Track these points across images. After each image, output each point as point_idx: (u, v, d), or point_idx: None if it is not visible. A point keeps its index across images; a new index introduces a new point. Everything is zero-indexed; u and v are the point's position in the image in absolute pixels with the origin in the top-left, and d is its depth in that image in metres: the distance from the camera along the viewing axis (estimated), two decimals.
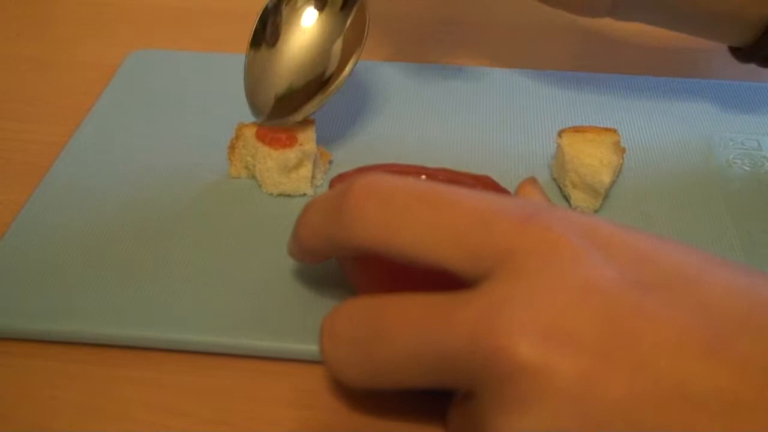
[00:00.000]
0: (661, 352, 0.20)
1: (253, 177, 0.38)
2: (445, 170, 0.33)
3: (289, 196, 0.37)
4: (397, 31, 0.52)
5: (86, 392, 0.29)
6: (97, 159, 0.39)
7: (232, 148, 0.38)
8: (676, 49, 0.50)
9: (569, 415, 0.20)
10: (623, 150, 0.38)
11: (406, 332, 0.23)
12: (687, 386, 0.20)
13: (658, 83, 0.46)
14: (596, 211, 0.37)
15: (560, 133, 0.38)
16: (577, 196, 0.37)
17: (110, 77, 0.46)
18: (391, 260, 0.24)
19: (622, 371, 0.20)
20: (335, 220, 0.26)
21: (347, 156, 0.40)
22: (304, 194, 0.37)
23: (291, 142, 0.36)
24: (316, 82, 0.37)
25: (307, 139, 0.37)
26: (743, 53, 0.41)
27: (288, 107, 0.37)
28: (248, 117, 0.38)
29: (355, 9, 0.38)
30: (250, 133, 0.37)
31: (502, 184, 0.33)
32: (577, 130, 0.38)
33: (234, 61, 0.46)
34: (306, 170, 0.37)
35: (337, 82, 0.37)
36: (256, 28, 0.38)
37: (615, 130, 0.38)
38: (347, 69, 0.37)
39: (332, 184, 0.33)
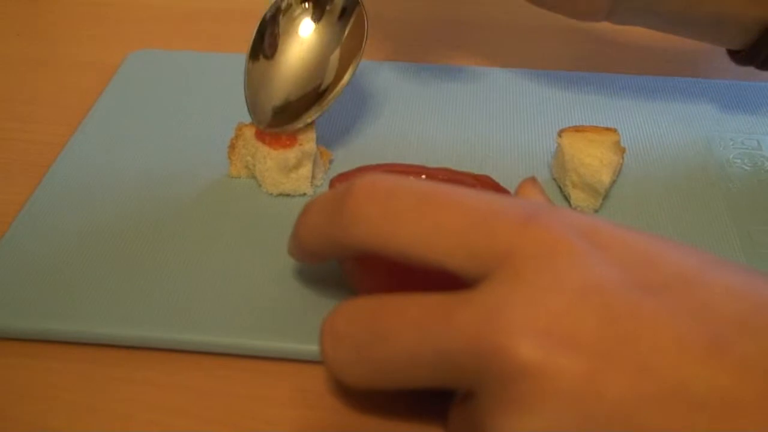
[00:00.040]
0: (661, 353, 0.20)
1: (253, 177, 0.38)
2: (445, 170, 0.33)
3: (289, 195, 0.37)
4: (397, 31, 0.52)
5: (86, 392, 0.29)
6: (97, 159, 0.39)
7: (232, 147, 0.38)
8: (676, 49, 0.50)
9: (570, 415, 0.20)
10: (623, 150, 0.38)
11: (406, 332, 0.23)
12: (687, 387, 0.20)
13: (658, 83, 0.46)
14: (596, 211, 0.37)
15: (560, 133, 0.38)
16: (577, 196, 0.37)
17: (110, 77, 0.46)
18: (391, 260, 0.24)
19: (623, 372, 0.20)
20: (335, 220, 0.26)
21: (347, 155, 0.40)
22: (304, 194, 0.37)
23: (291, 142, 0.36)
24: (314, 93, 0.37)
25: (307, 139, 0.37)
26: (741, 56, 0.41)
27: (286, 118, 0.37)
28: (248, 117, 0.38)
29: (353, 18, 0.38)
30: (250, 132, 0.37)
31: (502, 184, 0.33)
32: (577, 129, 0.38)
33: (234, 61, 0.46)
34: (306, 170, 0.37)
35: (334, 92, 0.37)
36: (254, 39, 0.37)
37: (615, 130, 0.38)
38: (345, 78, 0.37)
39: (332, 183, 0.33)
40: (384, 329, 0.24)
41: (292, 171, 0.37)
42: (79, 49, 0.51)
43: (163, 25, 0.53)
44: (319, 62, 0.38)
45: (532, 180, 0.29)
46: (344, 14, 0.38)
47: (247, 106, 0.37)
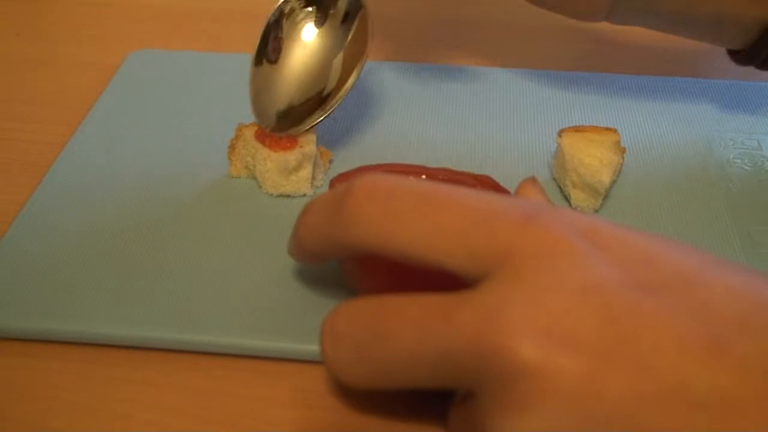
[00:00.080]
0: (661, 352, 0.20)
1: (253, 177, 0.38)
2: (445, 170, 0.33)
3: (289, 196, 0.37)
4: (397, 31, 0.52)
5: (86, 392, 0.29)
6: (97, 159, 0.39)
7: (232, 147, 0.38)
8: (676, 49, 0.50)
9: (570, 415, 0.20)
10: (623, 150, 0.38)
11: (406, 332, 0.23)
12: (687, 387, 0.20)
13: (658, 83, 0.46)
14: (596, 211, 0.37)
15: (560, 133, 0.38)
16: (577, 196, 0.37)
17: (110, 77, 0.46)
18: (391, 260, 0.24)
19: (623, 372, 0.20)
20: (335, 220, 0.26)
21: (347, 155, 0.40)
22: (305, 195, 0.37)
23: (291, 144, 0.36)
24: (317, 97, 0.37)
25: (307, 141, 0.37)
26: (741, 56, 0.41)
27: (290, 122, 0.37)
28: (248, 117, 0.38)
29: (356, 22, 0.38)
30: (250, 133, 0.37)
31: (502, 184, 0.33)
32: (577, 129, 0.38)
33: (234, 61, 0.46)
34: (306, 172, 0.37)
35: (338, 97, 0.37)
36: (259, 43, 0.37)
37: (615, 130, 0.38)
38: (349, 82, 0.37)
39: (332, 184, 0.33)
40: (384, 329, 0.24)
41: (292, 173, 0.37)
42: (79, 49, 0.51)
43: (163, 25, 0.53)
44: (322, 67, 0.38)
45: (532, 180, 0.29)
46: (347, 18, 0.38)
47: (252, 111, 0.37)
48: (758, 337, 0.20)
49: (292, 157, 0.36)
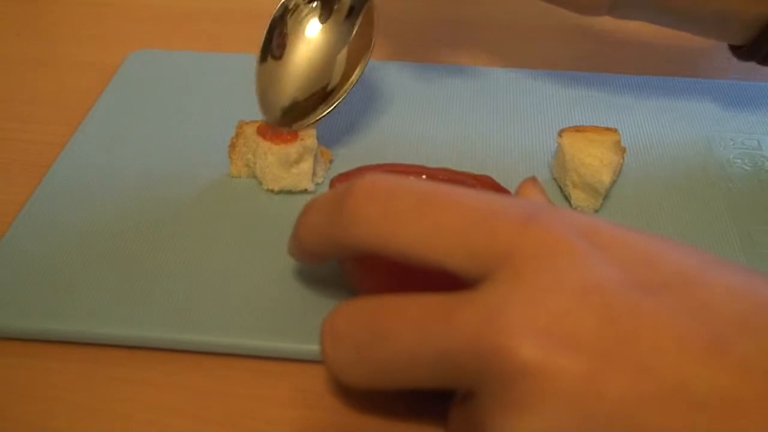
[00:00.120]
0: (661, 352, 0.20)
1: (254, 176, 0.38)
2: (445, 170, 0.33)
3: (289, 193, 0.37)
4: (397, 31, 0.52)
5: (86, 392, 0.29)
6: (97, 159, 0.39)
7: (232, 146, 0.38)
8: (676, 49, 0.50)
9: (570, 415, 0.20)
10: (623, 150, 0.38)
11: (406, 332, 0.23)
12: (687, 387, 0.20)
13: (658, 83, 0.46)
14: (596, 211, 0.37)
15: (560, 133, 0.38)
16: (578, 196, 0.37)
17: (110, 77, 0.46)
18: (391, 260, 0.24)
19: (623, 372, 0.20)
20: (335, 220, 0.26)
21: (348, 155, 0.40)
22: (305, 190, 0.37)
23: (292, 137, 0.37)
24: (321, 93, 0.37)
25: (308, 134, 0.37)
26: (743, 51, 0.41)
27: (294, 118, 0.37)
28: (248, 116, 0.38)
29: (360, 17, 0.38)
30: (250, 131, 0.37)
31: (502, 184, 0.33)
32: (577, 129, 0.38)
33: (234, 61, 0.46)
34: (307, 165, 0.37)
35: (342, 91, 0.37)
36: (264, 40, 0.37)
37: (615, 130, 0.38)
38: (353, 77, 0.37)
39: (333, 183, 0.33)
40: (384, 329, 0.24)
41: (293, 166, 0.37)
42: (79, 49, 0.51)
43: (163, 25, 0.53)
44: (326, 62, 0.38)
45: (533, 180, 0.29)
46: (352, 13, 0.38)
47: (259, 108, 0.37)
48: (758, 337, 0.20)
49: (293, 149, 0.36)
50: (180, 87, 0.45)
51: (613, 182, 0.38)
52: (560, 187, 0.38)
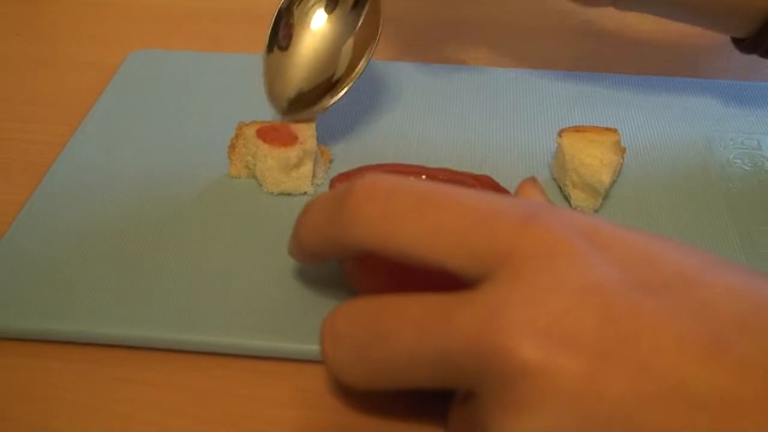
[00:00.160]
0: (661, 352, 0.20)
1: (254, 176, 0.38)
2: (445, 170, 0.33)
3: (289, 194, 0.37)
4: (397, 31, 0.52)
5: (86, 392, 0.29)
6: (97, 159, 0.39)
7: (232, 147, 0.38)
8: (676, 49, 0.50)
9: (570, 415, 0.20)
10: (623, 150, 0.38)
11: (406, 332, 0.23)
12: (687, 387, 0.20)
13: (658, 83, 0.46)
14: (596, 211, 0.37)
15: (560, 133, 0.38)
16: (577, 196, 0.37)
17: (110, 77, 0.46)
18: (391, 260, 0.24)
19: (623, 372, 0.20)
20: (335, 220, 0.26)
21: (348, 155, 0.40)
22: (305, 193, 0.37)
23: (291, 140, 0.37)
24: (326, 83, 0.38)
25: (308, 138, 0.37)
26: (745, 44, 0.41)
27: (300, 108, 0.38)
28: (248, 116, 0.38)
29: (366, 7, 0.38)
30: (250, 132, 0.37)
31: (502, 184, 0.33)
32: (577, 129, 0.38)
33: (234, 61, 0.46)
34: (306, 169, 0.37)
35: (347, 81, 0.37)
36: (270, 31, 0.38)
37: (615, 130, 0.38)
38: (359, 67, 0.37)
39: (333, 183, 0.33)
40: (384, 329, 0.24)
41: (293, 170, 0.37)
42: (79, 49, 0.51)
43: (163, 25, 0.53)
44: (331, 53, 0.38)
45: (532, 180, 0.29)
46: (358, 4, 0.38)
47: (268, 99, 0.38)
48: (758, 337, 0.20)
49: (292, 153, 0.36)
50: (180, 87, 0.45)
51: (613, 182, 0.38)
52: (560, 187, 0.38)
